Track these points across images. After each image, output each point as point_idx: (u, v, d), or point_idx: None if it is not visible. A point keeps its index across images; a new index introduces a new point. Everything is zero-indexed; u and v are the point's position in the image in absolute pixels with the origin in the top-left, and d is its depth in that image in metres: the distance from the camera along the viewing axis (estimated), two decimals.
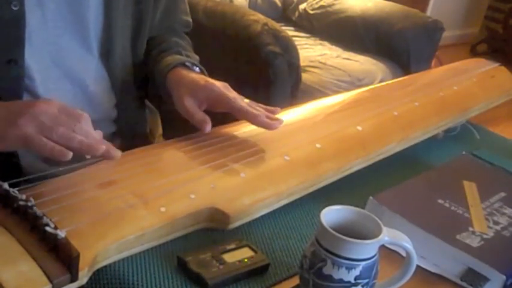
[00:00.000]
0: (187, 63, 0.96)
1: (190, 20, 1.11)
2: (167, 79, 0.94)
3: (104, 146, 0.71)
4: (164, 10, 1.03)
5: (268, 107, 0.93)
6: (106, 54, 0.94)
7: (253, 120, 0.88)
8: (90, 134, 0.71)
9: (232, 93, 0.90)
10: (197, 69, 0.97)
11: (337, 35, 2.70)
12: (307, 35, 2.75)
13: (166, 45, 1.02)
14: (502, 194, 0.89)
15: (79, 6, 0.88)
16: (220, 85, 0.90)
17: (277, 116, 0.91)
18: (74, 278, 0.60)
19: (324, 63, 2.40)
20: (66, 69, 0.90)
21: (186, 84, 0.91)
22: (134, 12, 0.95)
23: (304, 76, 2.21)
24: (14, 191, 0.66)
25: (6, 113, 0.70)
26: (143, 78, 1.02)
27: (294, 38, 2.17)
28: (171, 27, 1.07)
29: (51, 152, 0.67)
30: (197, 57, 1.05)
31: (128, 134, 1.02)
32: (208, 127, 0.87)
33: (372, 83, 2.28)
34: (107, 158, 0.72)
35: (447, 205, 0.83)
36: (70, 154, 0.67)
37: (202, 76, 0.94)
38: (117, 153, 0.72)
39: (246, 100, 0.91)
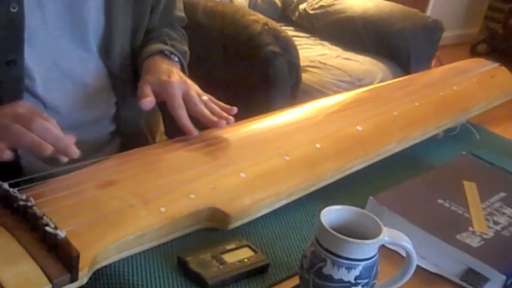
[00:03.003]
0: (166, 52, 0.96)
1: (184, 15, 1.12)
2: (143, 65, 0.94)
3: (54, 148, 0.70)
4: (163, 9, 1.04)
5: (225, 106, 0.91)
6: (105, 54, 0.94)
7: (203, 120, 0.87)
8: (49, 130, 0.71)
9: (188, 95, 0.87)
10: (176, 58, 0.97)
11: (337, 35, 2.69)
12: (307, 35, 2.75)
13: (156, 34, 1.03)
14: (502, 194, 0.89)
15: (78, 8, 0.88)
16: (178, 86, 0.87)
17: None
18: (74, 278, 0.60)
19: (324, 63, 2.40)
20: (66, 70, 0.91)
21: (151, 72, 0.91)
22: (134, 13, 0.96)
23: (304, 76, 2.21)
24: (14, 191, 0.66)
25: None
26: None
27: (294, 38, 2.17)
28: (168, 23, 1.08)
29: None
30: (185, 49, 1.05)
31: (128, 133, 1.02)
32: (146, 101, 0.85)
33: (372, 83, 2.28)
34: (65, 154, 0.71)
35: (447, 205, 0.83)
36: (10, 155, 0.68)
37: (171, 69, 0.91)
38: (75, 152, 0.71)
39: (205, 97, 0.89)
